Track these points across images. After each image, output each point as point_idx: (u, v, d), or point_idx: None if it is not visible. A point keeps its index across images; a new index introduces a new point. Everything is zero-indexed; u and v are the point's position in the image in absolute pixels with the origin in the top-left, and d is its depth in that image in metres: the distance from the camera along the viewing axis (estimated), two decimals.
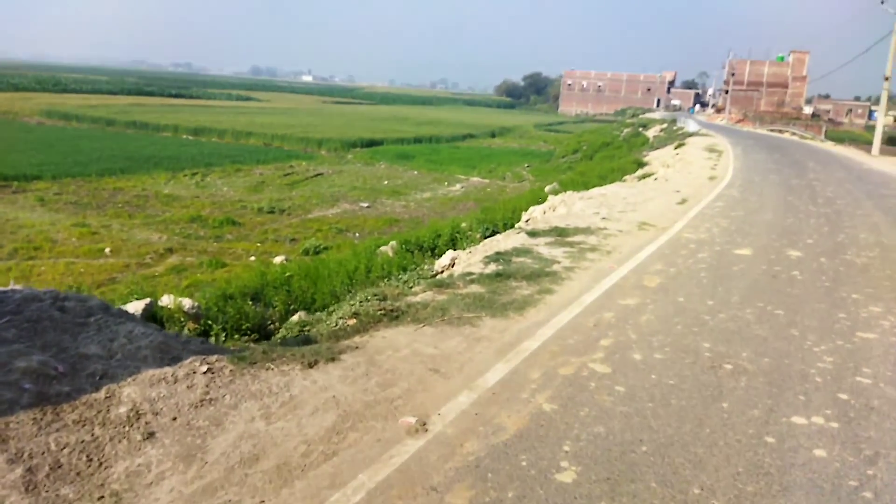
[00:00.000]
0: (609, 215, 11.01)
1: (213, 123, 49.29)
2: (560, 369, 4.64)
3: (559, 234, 9.26)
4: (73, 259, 15.72)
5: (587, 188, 23.57)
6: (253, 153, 38.35)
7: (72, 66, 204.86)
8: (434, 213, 25.91)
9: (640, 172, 26.44)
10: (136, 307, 9.38)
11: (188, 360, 4.48)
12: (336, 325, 5.81)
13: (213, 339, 9.40)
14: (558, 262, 7.65)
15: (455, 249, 14.29)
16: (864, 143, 56.75)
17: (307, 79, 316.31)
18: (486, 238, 14.85)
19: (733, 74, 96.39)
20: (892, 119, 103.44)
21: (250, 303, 11.06)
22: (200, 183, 27.87)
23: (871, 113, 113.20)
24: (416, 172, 36.47)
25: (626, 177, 26.17)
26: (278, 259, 17.71)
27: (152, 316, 9.75)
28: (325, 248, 19.24)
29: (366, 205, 26.30)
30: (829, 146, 39.48)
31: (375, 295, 6.36)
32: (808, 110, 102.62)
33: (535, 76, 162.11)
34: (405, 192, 30.15)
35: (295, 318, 10.90)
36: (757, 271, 7.52)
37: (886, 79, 29.98)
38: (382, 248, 15.31)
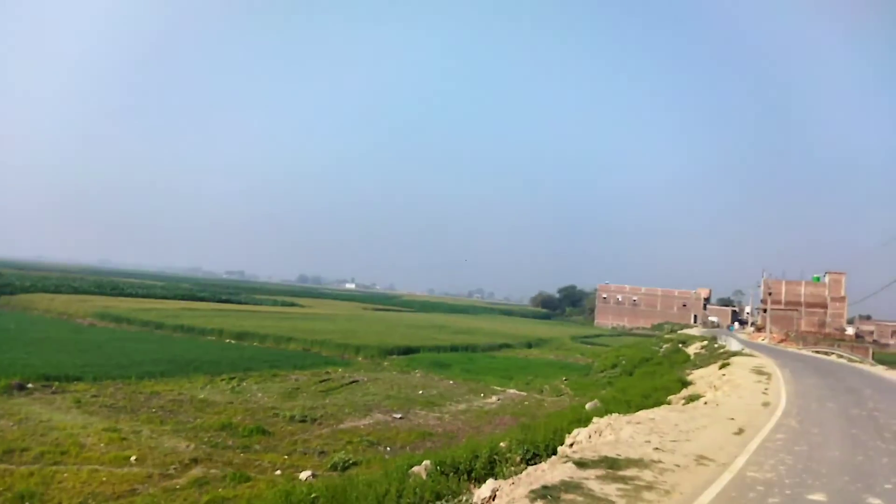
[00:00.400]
0: (661, 445, 10.26)
1: (256, 328, 50.61)
2: None
3: (609, 465, 8.55)
4: (98, 466, 15.23)
5: (629, 407, 22.65)
6: (291, 358, 38.70)
7: (132, 271, 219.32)
8: (469, 427, 24.90)
9: (685, 392, 25.43)
10: None
11: None
12: None
13: None
14: (612, 503, 6.92)
15: (494, 474, 13.37)
16: None
17: (350, 286, 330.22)
18: (526, 461, 13.95)
19: (770, 294, 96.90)
20: None
21: None
22: (236, 388, 27.78)
23: None
24: (451, 382, 35.90)
25: (671, 397, 25.14)
26: (304, 475, 16.86)
27: None
28: (355, 464, 18.34)
29: (399, 416, 25.54)
30: (882, 371, 37.81)
31: None
32: (850, 331, 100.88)
33: (570, 289, 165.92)
34: (440, 402, 29.39)
35: None
36: None
37: None
38: (415, 469, 14.42)
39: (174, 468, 15.83)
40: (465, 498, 9.16)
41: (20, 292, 68.18)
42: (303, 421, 22.93)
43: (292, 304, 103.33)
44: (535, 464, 14.05)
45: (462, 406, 29.20)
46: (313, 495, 12.66)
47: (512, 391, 34.72)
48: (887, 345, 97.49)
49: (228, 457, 17.60)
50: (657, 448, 9.99)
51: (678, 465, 8.96)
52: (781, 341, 73.75)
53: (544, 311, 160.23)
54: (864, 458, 10.09)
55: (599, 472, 8.24)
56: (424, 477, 13.66)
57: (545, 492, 7.18)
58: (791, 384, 22.65)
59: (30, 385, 23.06)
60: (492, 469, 13.98)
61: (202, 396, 25.27)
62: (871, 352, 65.65)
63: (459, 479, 13.16)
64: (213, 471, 16.11)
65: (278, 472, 16.96)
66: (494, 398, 31.90)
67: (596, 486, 7.51)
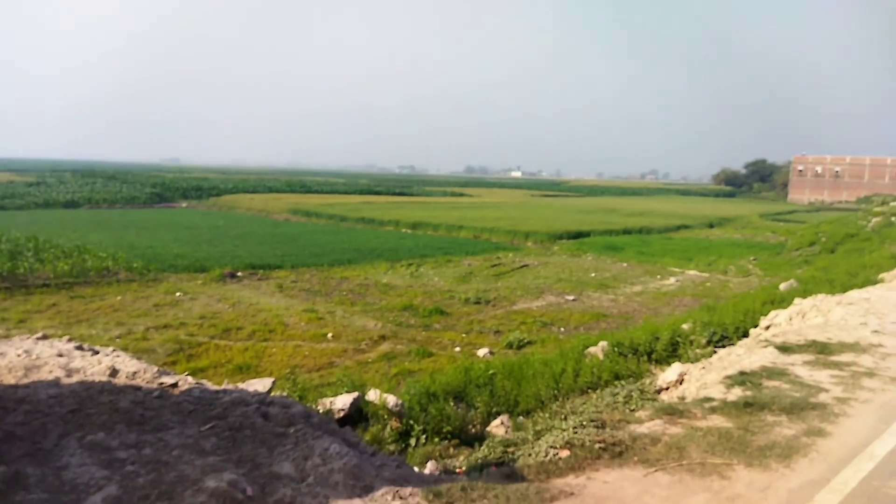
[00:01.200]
0: (881, 327, 8.88)
1: (428, 218, 52.47)
2: None
3: (820, 350, 7.52)
4: (301, 342, 16.87)
5: (833, 286, 20.32)
6: (463, 245, 39.71)
7: (316, 170, 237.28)
8: (646, 309, 24.04)
9: None
10: (344, 402, 9.40)
11: (381, 492, 3.94)
12: (546, 455, 4.94)
13: (412, 441, 9.05)
14: (825, 391, 6.05)
15: (678, 357, 12.71)
16: None
17: (516, 174, 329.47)
18: (713, 345, 13.07)
19: None
20: None
21: (451, 404, 10.60)
22: (415, 273, 29.15)
23: None
24: (625, 264, 34.76)
25: (884, 275, 22.16)
26: (482, 352, 17.38)
27: (359, 411, 9.73)
28: (529, 343, 18.56)
29: (571, 298, 25.31)
30: None
31: (592, 421, 5.39)
32: None
33: (759, 163, 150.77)
34: (613, 285, 28.63)
35: (497, 424, 10.21)
36: None
37: None
38: (591, 349, 14.16)
39: (365, 344, 17.11)
40: (648, 381, 8.69)
41: (224, 193, 76.72)
42: (477, 303, 23.55)
43: (461, 195, 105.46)
44: (723, 346, 13.16)
45: (637, 288, 28.24)
46: (491, 371, 12.98)
47: (692, 272, 32.86)
48: None
49: (412, 334, 18.67)
50: (876, 331, 8.66)
51: None
52: None
53: (728, 188, 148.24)
54: None
55: (808, 356, 7.28)
56: (601, 357, 13.37)
57: (743, 378, 6.46)
58: None
59: (239, 273, 26.02)
60: (674, 351, 13.31)
61: (385, 281, 26.87)
62: None
63: (639, 361, 12.70)
64: (399, 346, 17.21)
65: (458, 348, 17.66)
66: (672, 279, 30.42)
67: (804, 373, 6.63)
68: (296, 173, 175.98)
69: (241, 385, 5.75)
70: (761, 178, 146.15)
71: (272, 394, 5.62)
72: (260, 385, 5.74)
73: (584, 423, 5.37)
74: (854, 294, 12.25)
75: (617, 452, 4.74)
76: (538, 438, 6.04)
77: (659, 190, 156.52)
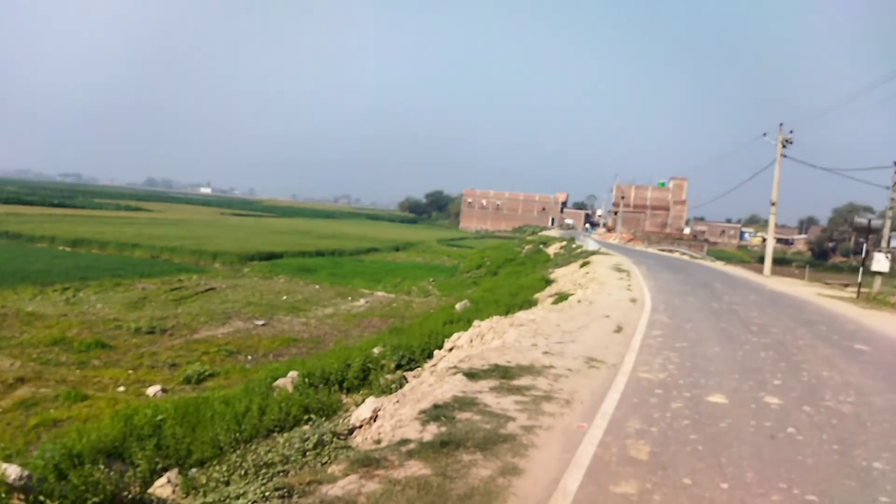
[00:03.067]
0: (549, 348, 9.67)
1: (94, 234, 45.61)
2: None
3: (502, 375, 7.73)
4: None
5: (498, 305, 22.62)
6: (137, 266, 35.16)
7: None
8: (337, 331, 23.90)
9: (550, 290, 25.96)
10: None
11: None
12: None
13: None
14: (513, 420, 6.07)
15: (370, 384, 12.41)
16: (745, 262, 60.89)
17: (206, 191, 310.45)
18: (402, 369, 13.11)
19: (623, 197, 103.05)
20: (759, 240, 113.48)
21: (102, 465, 8.55)
22: (71, 299, 24.60)
23: (742, 234, 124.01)
24: (317, 286, 34.52)
25: (537, 295, 25.55)
26: (153, 390, 15.20)
27: None
28: (211, 375, 16.85)
29: (261, 322, 23.93)
30: (721, 266, 41.36)
31: (277, 490, 4.44)
32: (687, 231, 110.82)
33: (437, 193, 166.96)
34: (305, 307, 28.03)
35: (162, 483, 8.51)
36: (749, 429, 6.25)
37: (773, 204, 31.96)
38: (280, 381, 13.11)
39: None
40: (341, 420, 8.01)
41: None
42: (151, 332, 20.74)
43: (138, 209, 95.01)
44: (411, 369, 13.31)
45: (329, 310, 28.06)
46: (160, 417, 11.05)
47: (380, 293, 34.04)
48: (716, 243, 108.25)
49: (62, 374, 15.56)
50: (546, 352, 9.37)
51: (570, 370, 8.36)
52: (630, 240, 79.21)
53: (411, 215, 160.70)
54: (743, 355, 10.13)
55: (492, 382, 7.38)
56: (291, 390, 12.42)
57: (437, 412, 6.17)
58: (650, 280, 23.63)
59: None
60: (365, 377, 13.03)
61: (30, 309, 22.12)
62: (705, 249, 72.30)
63: (330, 391, 12.07)
64: (43, 390, 14.15)
65: (122, 388, 15.19)
66: (363, 301, 31.04)
67: (492, 401, 6.63)
68: None
69: None
70: (439, 207, 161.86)
71: None
72: None
73: (268, 493, 4.39)
74: (522, 315, 13.45)
75: None
76: None
77: (351, 214, 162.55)
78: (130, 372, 16.65)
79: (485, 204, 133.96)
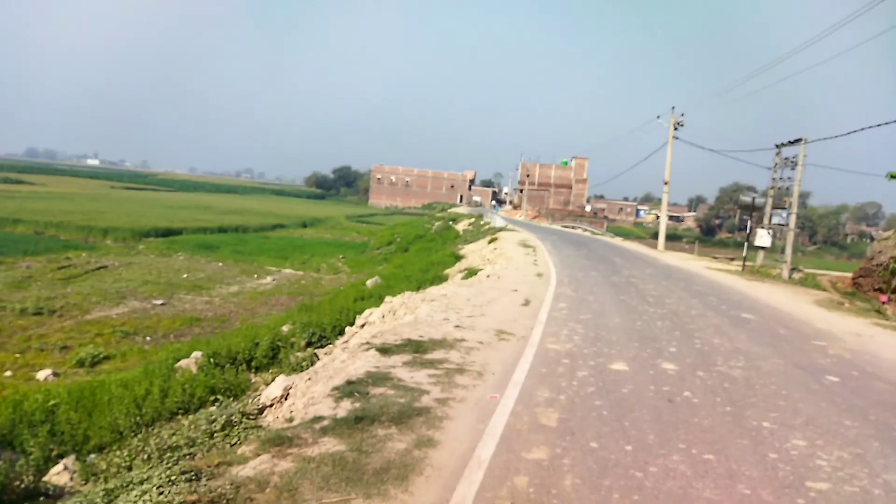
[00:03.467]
0: (460, 322, 9.79)
1: None
2: None
3: (416, 349, 7.75)
4: None
5: (409, 281, 22.70)
6: (19, 243, 32.52)
7: None
8: (243, 310, 23.18)
9: (460, 266, 26.28)
10: None
11: None
12: None
13: None
14: (427, 393, 6.10)
15: (280, 363, 12.12)
16: (641, 238, 64.15)
17: (93, 162, 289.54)
18: (313, 347, 12.89)
19: (528, 175, 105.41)
20: (654, 217, 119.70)
21: None
22: None
23: (637, 211, 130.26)
24: (220, 264, 33.27)
25: (448, 270, 25.81)
26: (43, 374, 14.31)
27: None
28: (107, 358, 16.02)
29: (160, 302, 22.83)
30: (619, 241, 43.34)
31: (184, 473, 4.24)
32: (588, 208, 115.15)
33: (345, 169, 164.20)
34: (208, 286, 26.97)
35: (59, 470, 8.00)
36: (649, 394, 6.60)
37: (666, 183, 33.69)
38: (183, 362, 12.57)
39: None
40: (250, 399, 7.77)
41: None
42: (38, 314, 19.37)
43: (18, 182, 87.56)
44: (322, 346, 13.12)
45: (234, 288, 27.15)
46: (52, 402, 10.36)
47: (288, 271, 33.29)
48: (615, 220, 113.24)
49: None
50: (458, 326, 9.48)
51: (481, 343, 8.51)
52: (535, 217, 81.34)
53: (319, 191, 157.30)
54: (642, 324, 10.67)
55: (406, 357, 7.38)
56: (195, 371, 11.92)
57: (351, 388, 6.10)
58: (555, 255, 24.39)
59: None
60: (275, 356, 12.71)
61: None
62: (605, 225, 75.49)
63: (238, 371, 11.69)
64: None
65: (8, 373, 14.21)
66: (269, 278, 30.23)
67: (406, 375, 6.64)
68: None
69: None
70: (347, 183, 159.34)
71: None
72: None
73: (174, 477, 4.19)
74: (434, 291, 13.53)
75: None
76: (110, 502, 4.57)
77: (255, 189, 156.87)
78: (17, 356, 15.55)
79: (394, 180, 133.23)
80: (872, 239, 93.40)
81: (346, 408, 5.60)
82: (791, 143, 25.15)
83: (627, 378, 7.18)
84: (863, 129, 19.12)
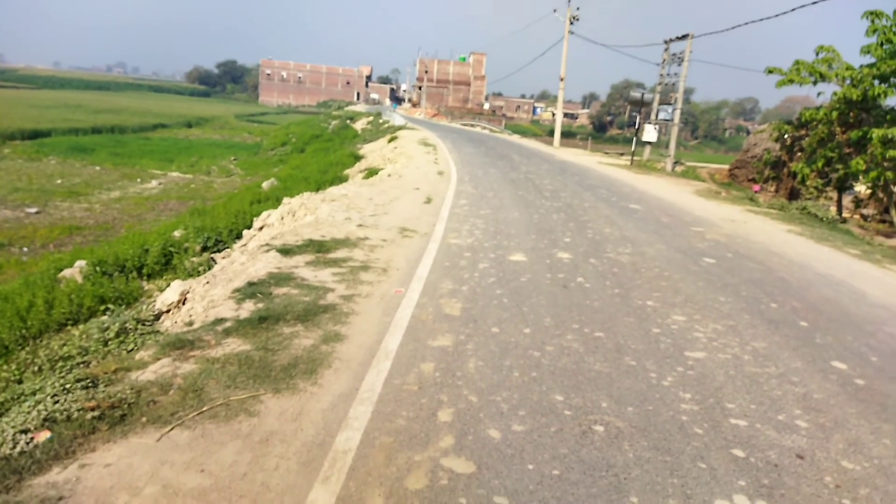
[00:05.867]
0: (363, 221, 9.72)
1: None
2: (409, 481, 3.19)
3: (318, 249, 7.65)
4: None
5: (308, 183, 22.10)
6: None
7: None
8: (128, 216, 21.84)
9: (360, 166, 25.82)
10: None
11: None
12: (14, 445, 3.47)
13: None
14: (332, 290, 6.10)
15: (174, 269, 11.66)
16: (538, 136, 65.31)
17: None
18: (209, 251, 12.46)
19: (427, 72, 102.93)
20: (550, 114, 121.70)
21: None
22: None
23: (534, 109, 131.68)
24: (98, 168, 30.86)
25: (347, 171, 25.30)
26: None
27: None
28: None
29: (34, 210, 21.06)
30: (517, 138, 43.92)
31: (79, 381, 4.07)
32: (487, 106, 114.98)
33: (231, 64, 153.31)
34: (87, 192, 25.07)
35: None
36: (546, 281, 6.93)
37: (562, 80, 34.01)
38: (67, 272, 11.82)
39: None
40: (145, 305, 7.46)
41: None
42: None
43: None
44: (219, 251, 12.69)
45: (116, 193, 25.39)
46: None
47: (175, 174, 31.40)
48: (513, 118, 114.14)
49: None
50: (360, 224, 9.41)
51: (385, 240, 8.52)
52: (434, 115, 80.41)
53: (203, 87, 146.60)
54: (539, 218, 11.04)
55: (308, 257, 7.29)
56: (81, 280, 11.26)
57: (253, 289, 5.98)
58: (455, 153, 24.42)
59: None
60: (168, 262, 12.20)
61: None
62: (503, 123, 76.00)
63: (128, 279, 11.15)
64: None
65: None
66: (155, 182, 28.44)
67: (309, 274, 6.58)
68: None
69: None
70: (234, 79, 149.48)
71: None
72: None
73: (69, 385, 4.01)
74: (334, 191, 13.26)
75: (118, 417, 3.64)
76: (1, 416, 4.34)
77: (129, 85, 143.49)
78: None
79: (285, 76, 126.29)
80: (749, 133, 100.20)
81: (248, 309, 5.51)
82: (679, 38, 25.87)
83: (526, 268, 7.49)
84: (746, 23, 19.91)
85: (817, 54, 17.89)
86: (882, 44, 15.61)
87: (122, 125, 50.28)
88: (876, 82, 15.87)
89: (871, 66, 16.08)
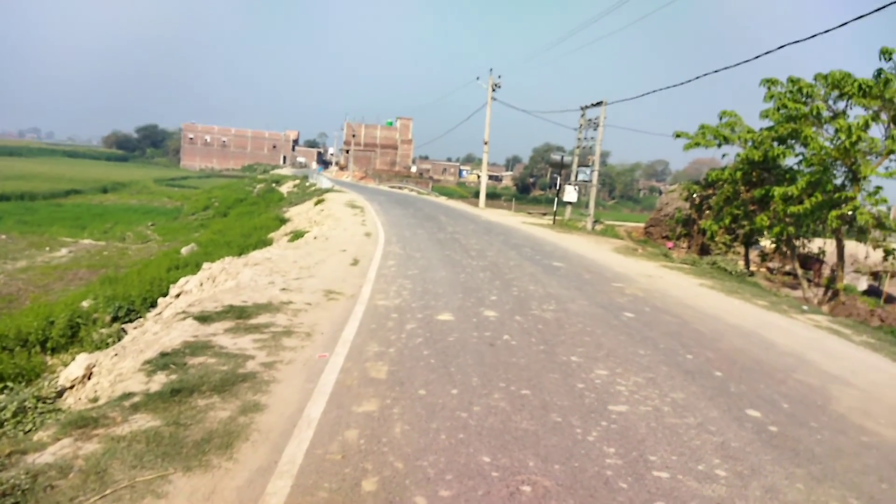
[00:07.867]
0: (287, 284, 9.50)
1: None
2: None
3: (238, 315, 7.39)
4: None
5: (230, 248, 21.57)
6: None
7: None
8: (34, 286, 20.56)
9: (286, 229, 25.48)
10: None
11: None
12: None
13: None
14: (252, 358, 5.87)
15: (81, 342, 10.98)
16: (464, 197, 66.65)
17: None
18: (121, 322, 11.84)
19: (354, 136, 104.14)
20: (475, 176, 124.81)
21: None
22: None
23: (460, 172, 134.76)
24: (3, 236, 29.09)
25: (273, 234, 24.90)
26: None
27: None
28: None
29: None
30: (444, 200, 44.67)
31: None
32: (414, 169, 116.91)
33: (151, 128, 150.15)
34: None
35: None
36: (473, 340, 6.93)
37: (486, 143, 35.12)
38: None
39: None
40: (46, 382, 6.93)
41: None
42: None
43: None
44: (131, 321, 12.07)
45: (21, 263, 23.94)
46: None
47: (87, 241, 30.00)
48: (440, 180, 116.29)
49: None
50: (284, 289, 9.20)
51: (310, 304, 8.34)
52: (362, 178, 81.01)
53: (120, 152, 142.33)
54: (466, 276, 11.13)
55: (228, 324, 7.02)
56: None
57: (166, 360, 5.67)
58: (382, 215, 24.53)
59: None
60: (74, 335, 11.48)
61: None
62: (430, 185, 77.31)
63: (30, 354, 10.41)
64: None
65: None
66: (65, 251, 27.05)
67: (228, 342, 6.32)
68: None
69: None
70: (154, 144, 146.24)
71: None
72: None
73: None
74: (257, 255, 12.97)
75: None
76: None
77: (43, 150, 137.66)
78: None
79: (209, 140, 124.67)
80: (661, 193, 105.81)
81: (160, 381, 5.20)
82: (594, 105, 27.37)
83: (453, 327, 7.48)
84: (655, 91, 21.33)
85: (721, 119, 19.31)
86: (779, 108, 16.99)
87: (33, 192, 47.97)
88: (775, 144, 17.21)
89: (769, 129, 17.44)
